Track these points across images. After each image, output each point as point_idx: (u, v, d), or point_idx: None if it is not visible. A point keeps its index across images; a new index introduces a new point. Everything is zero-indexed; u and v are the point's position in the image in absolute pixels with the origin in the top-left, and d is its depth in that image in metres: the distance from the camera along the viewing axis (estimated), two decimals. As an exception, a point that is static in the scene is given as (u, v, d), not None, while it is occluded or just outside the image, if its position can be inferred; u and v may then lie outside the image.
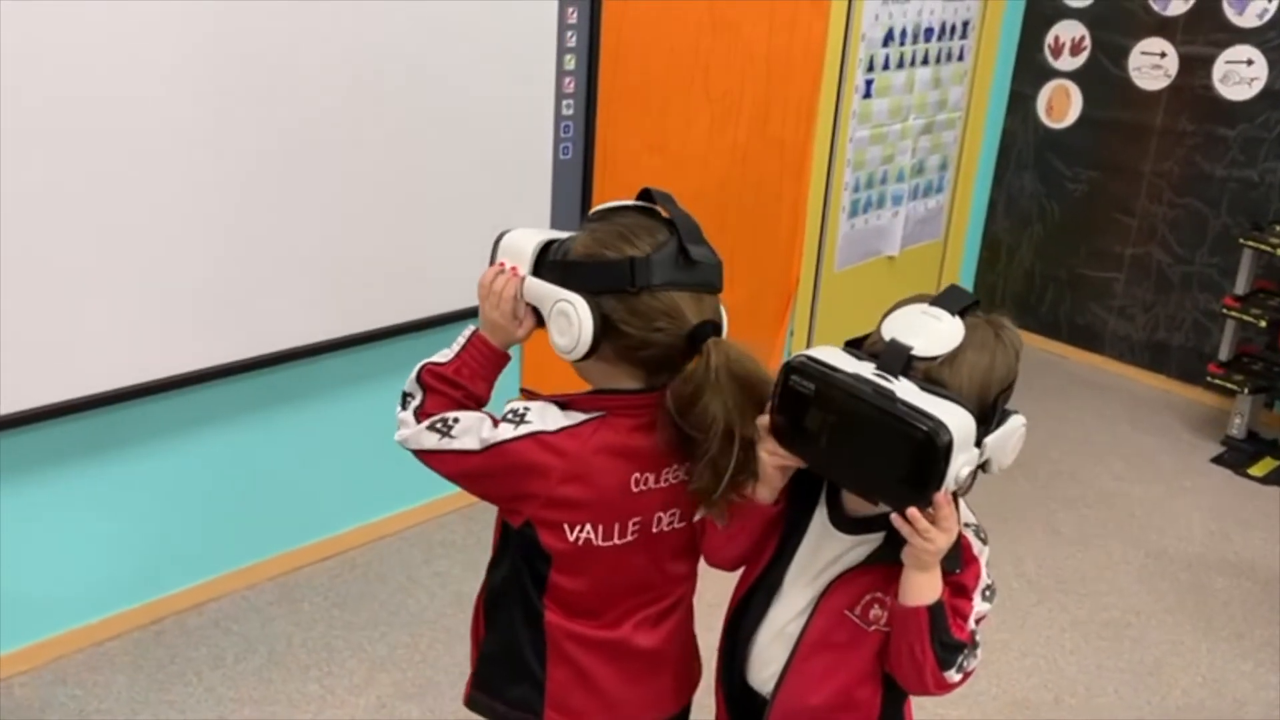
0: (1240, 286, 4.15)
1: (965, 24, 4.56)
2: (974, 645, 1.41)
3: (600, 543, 1.47)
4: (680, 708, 1.68)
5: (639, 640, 1.56)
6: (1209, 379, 4.25)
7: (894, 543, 1.37)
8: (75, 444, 2.57)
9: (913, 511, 1.29)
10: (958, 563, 1.39)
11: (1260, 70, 4.24)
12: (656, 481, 1.47)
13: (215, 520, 2.89)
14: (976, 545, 1.43)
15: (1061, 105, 4.81)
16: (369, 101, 2.74)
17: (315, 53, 2.60)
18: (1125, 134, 4.65)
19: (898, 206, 4.58)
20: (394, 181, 2.85)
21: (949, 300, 1.36)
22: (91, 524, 2.67)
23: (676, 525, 1.52)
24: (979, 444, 1.30)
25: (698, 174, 3.65)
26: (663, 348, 1.40)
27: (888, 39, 4.20)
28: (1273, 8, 4.17)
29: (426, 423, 1.47)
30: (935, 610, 1.35)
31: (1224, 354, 4.26)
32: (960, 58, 4.61)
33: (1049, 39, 4.79)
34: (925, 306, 1.36)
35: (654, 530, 1.51)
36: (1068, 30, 4.72)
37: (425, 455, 1.48)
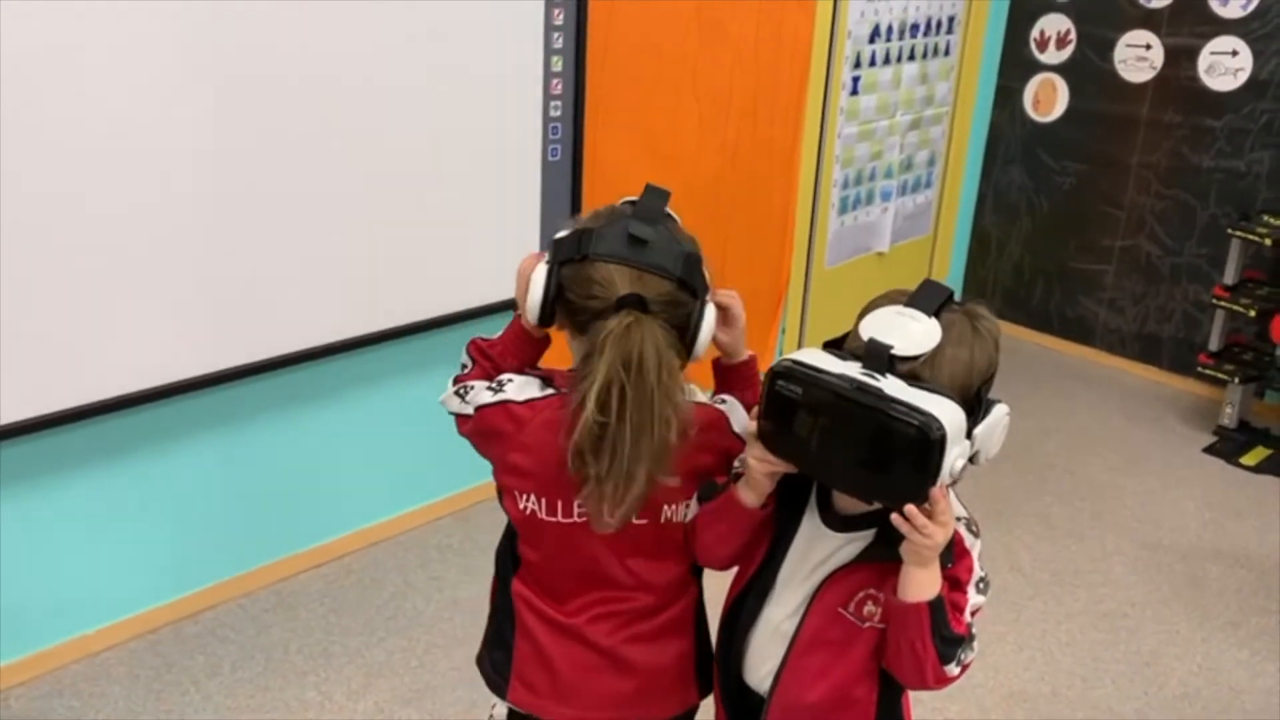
0: (1229, 276, 4.17)
1: (951, 19, 4.57)
2: (971, 638, 1.42)
3: (545, 516, 1.52)
4: (638, 718, 1.65)
5: (594, 634, 1.57)
6: (1200, 369, 4.27)
7: (885, 539, 1.37)
8: (70, 455, 2.57)
9: (910, 508, 1.29)
10: (950, 557, 1.39)
11: (1245, 61, 4.25)
12: None
13: (210, 528, 2.89)
14: (968, 538, 1.43)
15: (1048, 99, 4.82)
16: (356, 104, 2.73)
17: (302, 58, 2.60)
18: (1112, 126, 4.66)
19: (887, 202, 4.59)
20: (382, 185, 2.85)
21: (924, 299, 1.35)
22: (86, 535, 2.66)
23: (636, 521, 1.50)
24: (969, 435, 1.30)
25: (687, 174, 3.65)
26: (595, 314, 1.42)
27: (874, 35, 4.21)
28: (1256, -2, 4.19)
29: (456, 388, 1.59)
30: (936, 605, 1.35)
31: (1214, 344, 4.27)
32: (946, 53, 4.62)
33: (1034, 33, 4.80)
34: (900, 308, 1.35)
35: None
36: (1053, 24, 4.73)
37: (454, 417, 1.59)
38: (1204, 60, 4.35)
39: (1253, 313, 4.05)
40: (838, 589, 1.45)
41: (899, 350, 1.31)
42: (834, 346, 1.40)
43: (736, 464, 1.50)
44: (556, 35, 3.08)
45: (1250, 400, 4.32)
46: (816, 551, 1.47)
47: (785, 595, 1.50)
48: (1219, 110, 4.35)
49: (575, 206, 3.28)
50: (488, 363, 1.60)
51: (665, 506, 1.52)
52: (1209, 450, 4.16)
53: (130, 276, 2.46)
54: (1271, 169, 4.25)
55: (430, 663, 2.79)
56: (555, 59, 3.11)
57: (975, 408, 1.33)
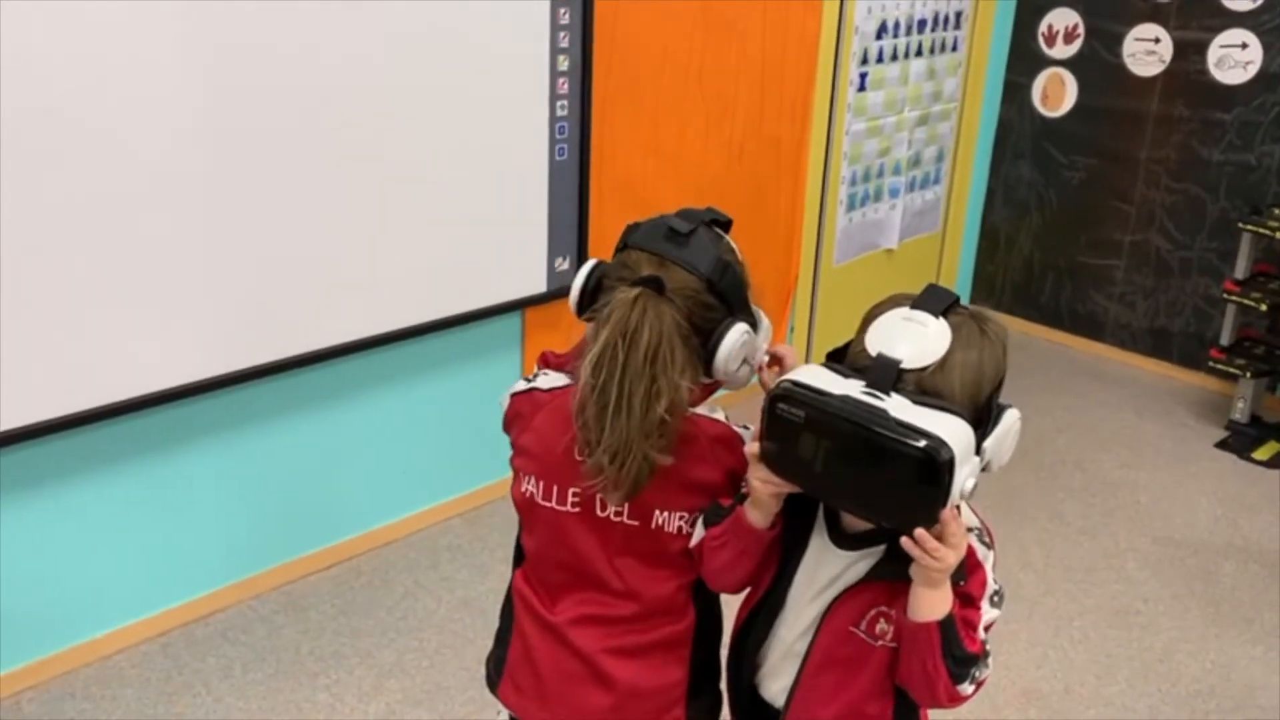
0: (1240, 271, 4.15)
1: (958, 14, 4.56)
2: (985, 655, 1.38)
3: (540, 500, 1.53)
4: None
5: (577, 638, 1.55)
6: (1211, 364, 4.25)
7: (895, 555, 1.33)
8: (79, 459, 2.57)
9: (920, 532, 1.25)
10: (962, 573, 1.35)
11: (1255, 54, 4.23)
12: None
13: (220, 530, 2.89)
14: (980, 551, 1.39)
15: (1057, 93, 4.80)
16: (364, 105, 2.73)
17: (310, 59, 2.60)
18: (1121, 121, 4.64)
19: (895, 199, 4.57)
20: (388, 186, 2.85)
21: (930, 302, 1.31)
22: (97, 538, 2.66)
23: (628, 520, 1.50)
24: (979, 450, 1.26)
25: (694, 172, 3.64)
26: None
27: (881, 32, 4.20)
28: (1266, -10, 4.17)
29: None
30: (946, 625, 1.32)
31: (1225, 339, 4.25)
32: (954, 48, 4.61)
33: (1042, 27, 4.78)
34: (907, 311, 1.31)
35: (599, 512, 1.50)
36: (1061, 18, 4.71)
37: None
38: (1213, 53, 4.33)
39: (1264, 307, 4.03)
40: (848, 608, 1.42)
41: (909, 363, 1.27)
42: (836, 358, 1.36)
43: (744, 486, 1.47)
44: (562, 34, 3.08)
45: (1262, 395, 4.30)
46: (825, 570, 1.44)
47: (795, 615, 1.47)
48: (1229, 103, 4.33)
49: (582, 205, 3.27)
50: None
51: (656, 511, 1.49)
52: (1221, 445, 4.14)
53: (139, 280, 2.47)
54: (1282, 162, 4.23)
55: (441, 663, 2.78)
56: (561, 58, 3.11)
57: (985, 416, 1.30)
